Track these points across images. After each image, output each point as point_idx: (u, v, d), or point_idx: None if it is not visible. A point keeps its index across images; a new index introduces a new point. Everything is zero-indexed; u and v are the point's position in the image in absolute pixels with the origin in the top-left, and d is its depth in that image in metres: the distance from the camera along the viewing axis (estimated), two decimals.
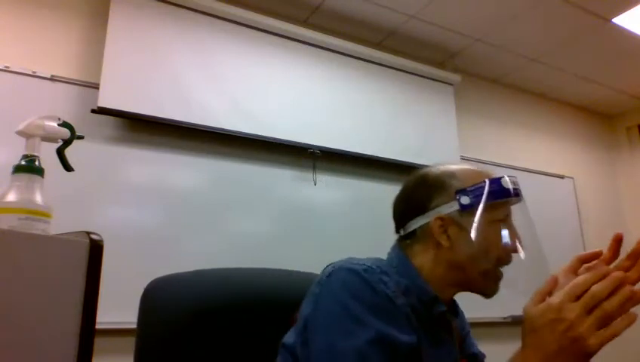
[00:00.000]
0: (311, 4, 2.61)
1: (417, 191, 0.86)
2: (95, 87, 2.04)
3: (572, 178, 3.63)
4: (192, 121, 2.19)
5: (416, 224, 0.84)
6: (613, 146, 4.05)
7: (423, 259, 0.83)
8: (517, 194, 0.82)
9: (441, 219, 0.81)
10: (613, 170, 3.99)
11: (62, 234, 0.80)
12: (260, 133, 2.34)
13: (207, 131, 2.23)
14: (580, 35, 2.90)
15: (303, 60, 2.59)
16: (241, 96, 2.35)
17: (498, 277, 0.81)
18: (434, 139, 2.87)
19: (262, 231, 2.33)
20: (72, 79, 2.07)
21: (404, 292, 0.76)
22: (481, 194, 0.80)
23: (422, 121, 2.88)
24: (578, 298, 0.62)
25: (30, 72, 1.99)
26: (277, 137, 2.38)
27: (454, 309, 0.89)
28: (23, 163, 0.83)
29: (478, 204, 0.79)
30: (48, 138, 0.90)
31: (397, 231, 0.89)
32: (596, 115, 4.05)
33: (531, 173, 3.42)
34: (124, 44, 2.12)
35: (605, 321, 0.60)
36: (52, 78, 2.03)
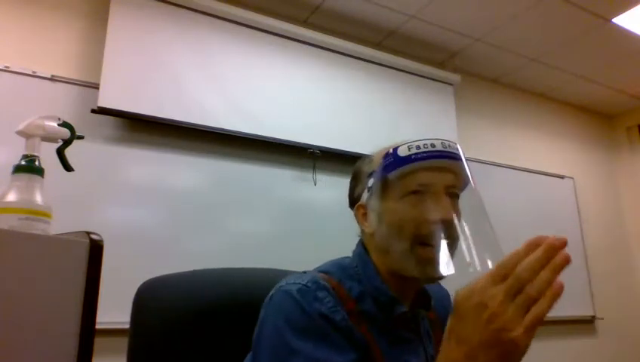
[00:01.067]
0: (311, 4, 2.61)
1: (349, 186, 0.87)
2: (95, 87, 2.04)
3: (572, 178, 3.63)
4: (192, 121, 2.19)
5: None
6: (613, 146, 4.05)
7: (371, 251, 0.81)
8: (422, 158, 0.72)
9: (361, 207, 0.81)
10: (613, 170, 3.99)
11: (62, 234, 0.80)
12: (260, 133, 2.34)
13: (207, 131, 2.23)
14: (580, 35, 2.90)
15: (303, 60, 2.59)
16: (241, 96, 2.35)
17: (421, 256, 0.71)
18: None
19: (262, 231, 2.33)
20: (72, 79, 2.07)
21: (358, 299, 0.74)
22: (380, 172, 0.76)
23: (422, 121, 2.88)
24: (504, 280, 0.52)
25: (30, 72, 1.99)
26: (277, 137, 2.38)
27: (425, 302, 0.82)
28: (23, 163, 0.83)
29: (377, 183, 0.76)
30: (48, 138, 0.90)
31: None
32: (596, 115, 4.05)
33: (531, 173, 3.43)
34: (124, 44, 2.12)
35: (531, 306, 0.51)
36: (52, 78, 2.03)
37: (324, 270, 0.79)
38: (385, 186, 0.75)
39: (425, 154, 0.72)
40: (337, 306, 0.70)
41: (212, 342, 0.76)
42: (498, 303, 0.51)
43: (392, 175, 0.74)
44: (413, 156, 0.73)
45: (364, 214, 0.80)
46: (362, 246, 0.82)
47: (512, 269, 0.52)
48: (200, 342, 0.81)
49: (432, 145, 0.73)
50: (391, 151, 0.75)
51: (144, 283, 0.87)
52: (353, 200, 0.85)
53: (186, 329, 0.81)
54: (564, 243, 0.51)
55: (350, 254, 0.85)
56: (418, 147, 0.73)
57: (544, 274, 0.50)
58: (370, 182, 0.79)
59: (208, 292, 0.87)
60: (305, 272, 0.77)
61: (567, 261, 0.50)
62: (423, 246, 0.71)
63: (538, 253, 0.51)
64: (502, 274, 0.52)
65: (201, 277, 0.92)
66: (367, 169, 0.81)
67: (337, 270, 0.79)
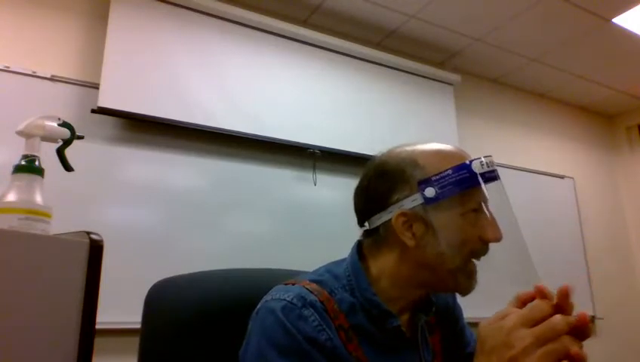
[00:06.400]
0: (311, 4, 2.61)
1: (377, 183, 0.77)
2: (95, 87, 2.04)
3: (572, 178, 3.63)
4: (192, 121, 2.19)
5: (378, 220, 0.75)
6: (613, 146, 4.05)
7: (386, 259, 0.76)
8: (491, 178, 0.72)
9: (403, 214, 0.72)
10: (613, 170, 3.99)
11: (62, 234, 0.80)
12: (259, 133, 2.34)
13: (207, 131, 2.23)
14: (580, 35, 2.90)
15: (302, 60, 2.59)
16: (241, 96, 2.35)
17: (472, 271, 0.73)
18: (434, 139, 2.87)
19: (262, 231, 2.33)
20: (72, 79, 2.07)
21: (348, 312, 0.72)
22: (448, 184, 0.70)
23: (422, 121, 2.88)
24: (535, 324, 0.54)
25: (30, 72, 1.99)
26: (277, 137, 2.38)
27: (427, 307, 0.81)
28: (23, 163, 0.83)
29: (445, 196, 0.70)
30: (48, 138, 0.90)
31: (359, 224, 0.81)
32: (596, 115, 4.05)
33: (531, 173, 3.43)
34: (124, 44, 2.12)
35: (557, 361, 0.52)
36: (52, 78, 2.03)
37: (316, 279, 0.75)
38: (451, 200, 0.71)
39: (491, 175, 0.72)
40: (323, 325, 0.68)
41: (225, 343, 0.75)
42: (524, 346, 0.52)
43: (466, 191, 0.71)
44: (487, 175, 0.71)
45: (406, 222, 0.72)
46: (356, 251, 0.79)
47: (544, 315, 0.54)
48: (212, 343, 0.80)
49: (492, 163, 0.73)
50: (465, 165, 0.71)
51: (155, 284, 0.87)
52: (386, 203, 0.74)
53: (198, 331, 0.81)
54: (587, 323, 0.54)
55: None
56: (488, 165, 0.72)
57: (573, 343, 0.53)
58: (429, 191, 0.71)
59: (221, 294, 0.86)
60: (294, 284, 0.74)
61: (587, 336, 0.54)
62: (472, 262, 0.72)
63: (580, 316, 0.54)
64: (534, 318, 0.54)
65: (213, 278, 0.91)
66: (418, 174, 0.73)
67: (330, 279, 0.76)
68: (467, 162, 0.71)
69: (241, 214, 2.30)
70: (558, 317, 0.53)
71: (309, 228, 2.44)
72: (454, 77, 3.08)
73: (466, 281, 0.72)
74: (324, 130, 2.53)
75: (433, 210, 0.71)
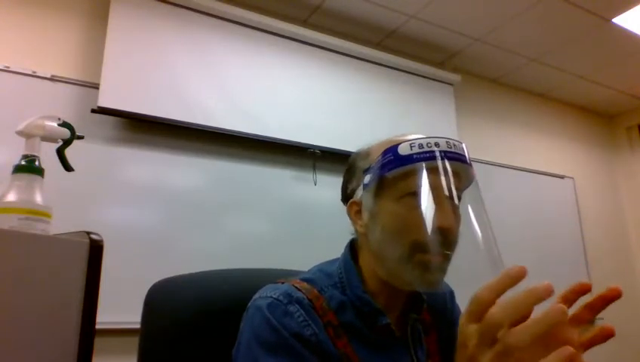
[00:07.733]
0: (311, 4, 2.61)
1: (343, 180, 0.83)
2: (95, 87, 2.04)
3: (572, 178, 3.63)
4: (192, 121, 2.19)
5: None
6: (613, 146, 4.05)
7: (363, 253, 0.77)
8: (424, 158, 0.65)
9: (355, 203, 0.76)
10: (613, 170, 3.99)
11: (62, 234, 0.80)
12: (259, 133, 2.34)
13: (207, 131, 2.23)
14: (580, 35, 2.90)
15: (302, 60, 2.59)
16: (241, 96, 2.35)
17: (425, 264, 0.65)
18: None
19: (262, 231, 2.33)
20: (72, 79, 2.07)
21: (338, 310, 0.72)
22: (378, 169, 0.70)
23: (422, 121, 2.88)
24: (479, 319, 0.45)
25: (30, 72, 1.99)
26: (277, 137, 2.38)
27: (418, 304, 0.78)
28: (23, 163, 0.83)
29: (373, 181, 0.71)
30: (48, 138, 0.90)
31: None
32: (596, 115, 4.05)
33: (531, 173, 3.43)
34: (124, 44, 2.12)
35: (519, 360, 0.41)
36: (52, 78, 2.02)
37: (307, 278, 0.76)
38: (382, 185, 0.70)
39: (428, 155, 0.65)
40: (308, 320, 0.68)
41: (224, 343, 0.75)
42: (473, 346, 0.44)
43: (390, 174, 0.68)
44: (415, 156, 0.65)
45: (358, 212, 0.76)
46: (350, 249, 0.80)
47: (487, 307, 0.44)
48: (212, 343, 0.80)
49: (437, 145, 0.65)
50: (390, 148, 0.68)
51: (155, 284, 0.87)
52: (346, 196, 0.81)
53: (198, 331, 0.81)
54: (550, 290, 0.41)
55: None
56: (421, 145, 0.65)
57: (534, 327, 0.41)
58: (367, 178, 0.73)
59: (220, 294, 0.87)
60: (283, 282, 0.74)
61: (562, 313, 0.40)
62: (421, 254, 0.65)
63: (528, 294, 0.42)
64: (476, 312, 0.45)
65: (213, 278, 0.91)
66: (363, 164, 0.75)
67: (321, 277, 0.76)
68: (395, 144, 0.68)
69: (241, 214, 2.30)
70: (495, 307, 0.43)
71: (309, 228, 2.43)
72: (454, 77, 3.08)
73: (418, 275, 0.66)
74: (324, 130, 2.53)
75: (375, 197, 0.71)
